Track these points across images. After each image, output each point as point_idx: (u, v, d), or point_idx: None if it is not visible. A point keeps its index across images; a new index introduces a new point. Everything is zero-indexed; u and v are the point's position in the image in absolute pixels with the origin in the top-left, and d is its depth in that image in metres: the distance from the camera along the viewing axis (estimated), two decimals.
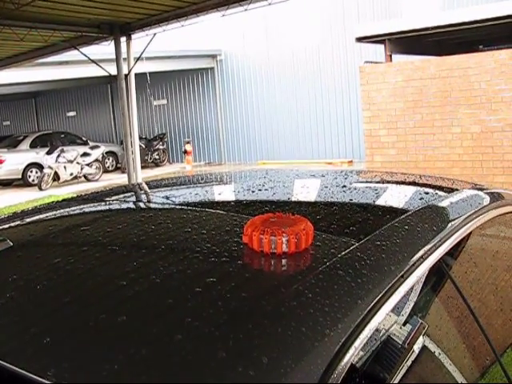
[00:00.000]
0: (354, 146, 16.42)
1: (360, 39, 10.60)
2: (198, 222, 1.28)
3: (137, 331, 0.81)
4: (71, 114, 24.16)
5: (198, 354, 0.73)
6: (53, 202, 1.70)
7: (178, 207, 1.48)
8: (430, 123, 8.98)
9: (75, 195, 1.87)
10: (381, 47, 10.79)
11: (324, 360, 0.75)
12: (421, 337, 0.94)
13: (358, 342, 0.81)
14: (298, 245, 0.98)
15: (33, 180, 16.30)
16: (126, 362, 0.73)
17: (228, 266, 1.00)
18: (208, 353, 0.73)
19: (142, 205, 1.65)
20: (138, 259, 1.09)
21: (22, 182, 16.42)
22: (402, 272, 0.99)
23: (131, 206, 1.60)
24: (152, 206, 1.60)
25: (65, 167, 15.66)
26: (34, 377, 0.71)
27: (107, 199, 1.64)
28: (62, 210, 1.59)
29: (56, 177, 15.55)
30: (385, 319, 0.89)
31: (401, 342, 0.90)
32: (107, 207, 1.57)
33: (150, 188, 1.87)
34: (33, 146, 17.19)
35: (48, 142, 17.36)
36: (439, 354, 1.06)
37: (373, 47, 13.17)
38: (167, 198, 1.65)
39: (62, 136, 18.79)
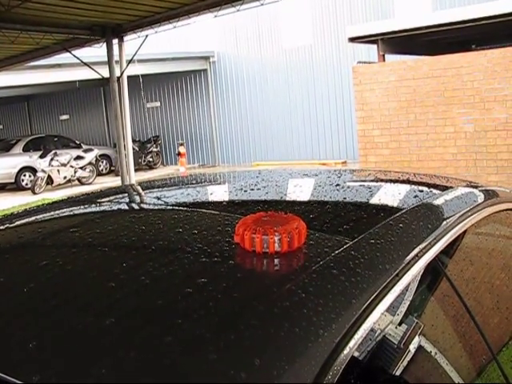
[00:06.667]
0: (347, 147, 16.44)
1: (353, 39, 10.62)
2: (190, 223, 1.26)
3: (126, 333, 0.79)
4: (64, 117, 24.07)
5: (189, 356, 0.72)
6: (43, 204, 1.68)
7: (169, 208, 1.46)
8: (424, 123, 9.00)
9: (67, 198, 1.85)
10: (374, 47, 10.80)
11: (318, 361, 0.73)
12: (416, 336, 0.93)
13: (353, 342, 0.79)
14: (291, 244, 0.96)
15: (26, 184, 16.22)
16: (115, 365, 0.71)
17: (219, 267, 0.98)
18: (199, 355, 0.72)
19: (132, 206, 1.63)
20: (128, 260, 1.08)
21: (15, 186, 16.34)
22: (397, 271, 0.98)
23: (122, 207, 1.58)
24: (143, 206, 1.58)
25: (58, 171, 15.60)
26: (20, 383, 0.69)
27: (98, 201, 1.62)
28: (51, 212, 1.57)
29: (49, 180, 15.48)
30: (380, 319, 0.87)
31: (396, 342, 0.89)
32: (97, 209, 1.55)
33: (141, 189, 1.84)
34: (26, 149, 17.11)
35: (41, 145, 17.27)
36: (435, 353, 1.04)
37: (366, 47, 13.20)
38: (158, 198, 1.63)
39: (55, 139, 18.74)
